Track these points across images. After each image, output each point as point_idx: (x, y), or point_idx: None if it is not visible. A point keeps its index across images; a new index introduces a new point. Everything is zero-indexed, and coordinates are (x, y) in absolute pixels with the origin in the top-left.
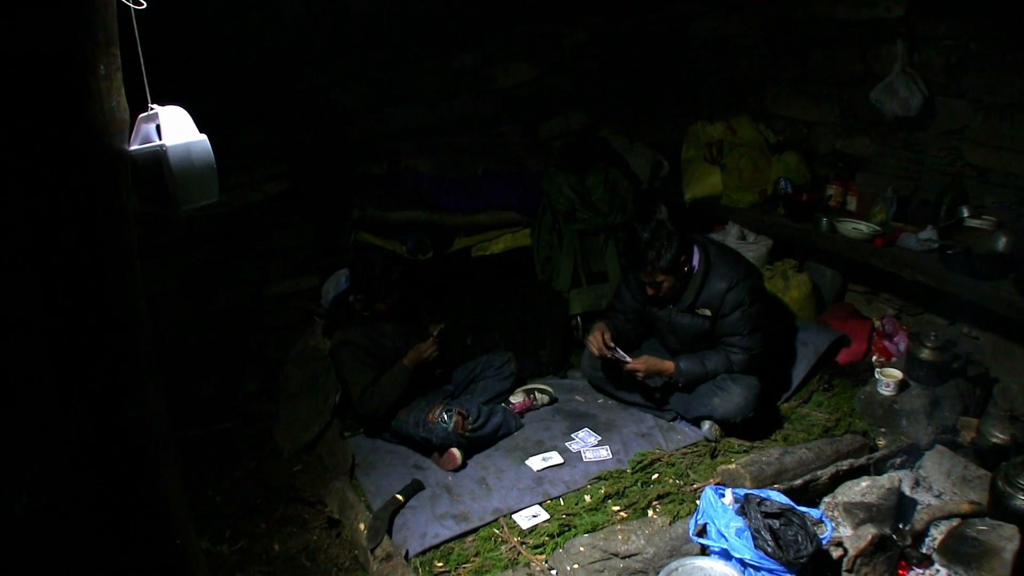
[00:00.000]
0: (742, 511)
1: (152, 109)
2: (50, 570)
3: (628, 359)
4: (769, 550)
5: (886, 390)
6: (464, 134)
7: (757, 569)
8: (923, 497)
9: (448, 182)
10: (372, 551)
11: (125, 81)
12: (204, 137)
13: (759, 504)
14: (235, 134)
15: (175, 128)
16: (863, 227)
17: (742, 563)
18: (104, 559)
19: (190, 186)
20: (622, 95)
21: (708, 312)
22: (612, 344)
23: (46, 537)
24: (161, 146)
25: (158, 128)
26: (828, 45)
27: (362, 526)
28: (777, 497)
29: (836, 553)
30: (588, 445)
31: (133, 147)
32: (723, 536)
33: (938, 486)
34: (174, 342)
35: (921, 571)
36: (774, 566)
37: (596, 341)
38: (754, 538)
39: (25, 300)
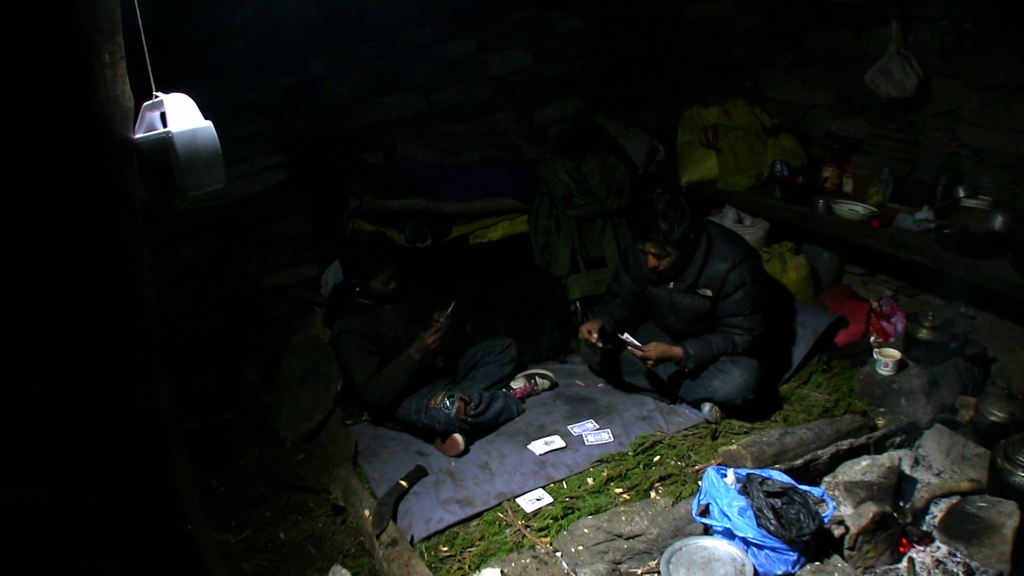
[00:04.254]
0: (744, 491)
1: (157, 96)
2: (60, 564)
3: (639, 345)
4: (772, 528)
5: (885, 370)
6: (460, 122)
7: (760, 547)
8: (923, 475)
9: (445, 170)
10: (378, 537)
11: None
12: (209, 123)
13: (761, 484)
14: (231, 125)
15: (180, 115)
16: (860, 208)
17: (745, 542)
18: (115, 551)
19: (196, 172)
20: (617, 80)
21: (709, 292)
22: (599, 341)
23: (55, 531)
24: (167, 133)
25: (163, 116)
26: (823, 27)
27: (367, 512)
28: (779, 477)
29: (838, 531)
30: (589, 429)
31: (138, 135)
32: (726, 515)
33: (937, 464)
34: (174, 334)
35: (922, 548)
36: (777, 544)
37: (585, 331)
38: (757, 517)
39: (32, 290)
